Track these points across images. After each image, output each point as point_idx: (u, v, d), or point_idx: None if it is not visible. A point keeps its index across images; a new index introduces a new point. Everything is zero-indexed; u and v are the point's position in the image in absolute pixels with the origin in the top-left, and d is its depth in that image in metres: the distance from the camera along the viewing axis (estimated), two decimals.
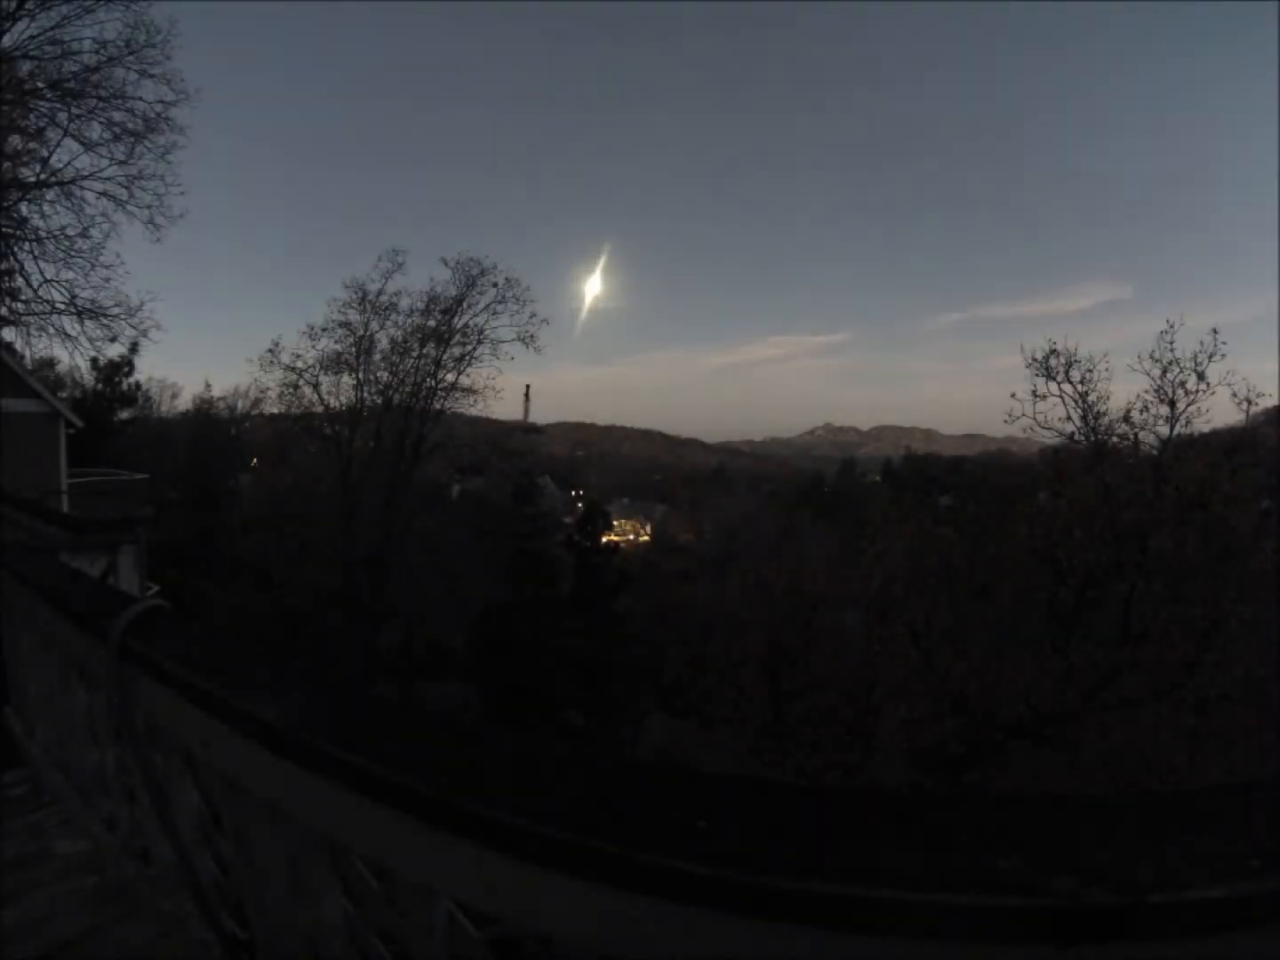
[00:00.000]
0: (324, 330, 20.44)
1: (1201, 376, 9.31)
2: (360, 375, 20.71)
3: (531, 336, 20.79)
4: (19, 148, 12.62)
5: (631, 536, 47.73)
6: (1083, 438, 10.27)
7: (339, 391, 20.88)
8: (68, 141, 12.60)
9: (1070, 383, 10.15)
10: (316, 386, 20.59)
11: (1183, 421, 9.55)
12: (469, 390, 21.14)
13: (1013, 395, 10.37)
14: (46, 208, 12.79)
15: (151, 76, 12.57)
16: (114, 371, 27.70)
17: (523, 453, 23.81)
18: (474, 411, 21.75)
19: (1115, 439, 10.13)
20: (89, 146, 12.71)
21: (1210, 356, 9.25)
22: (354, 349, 20.61)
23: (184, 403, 33.31)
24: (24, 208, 12.69)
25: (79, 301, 12.98)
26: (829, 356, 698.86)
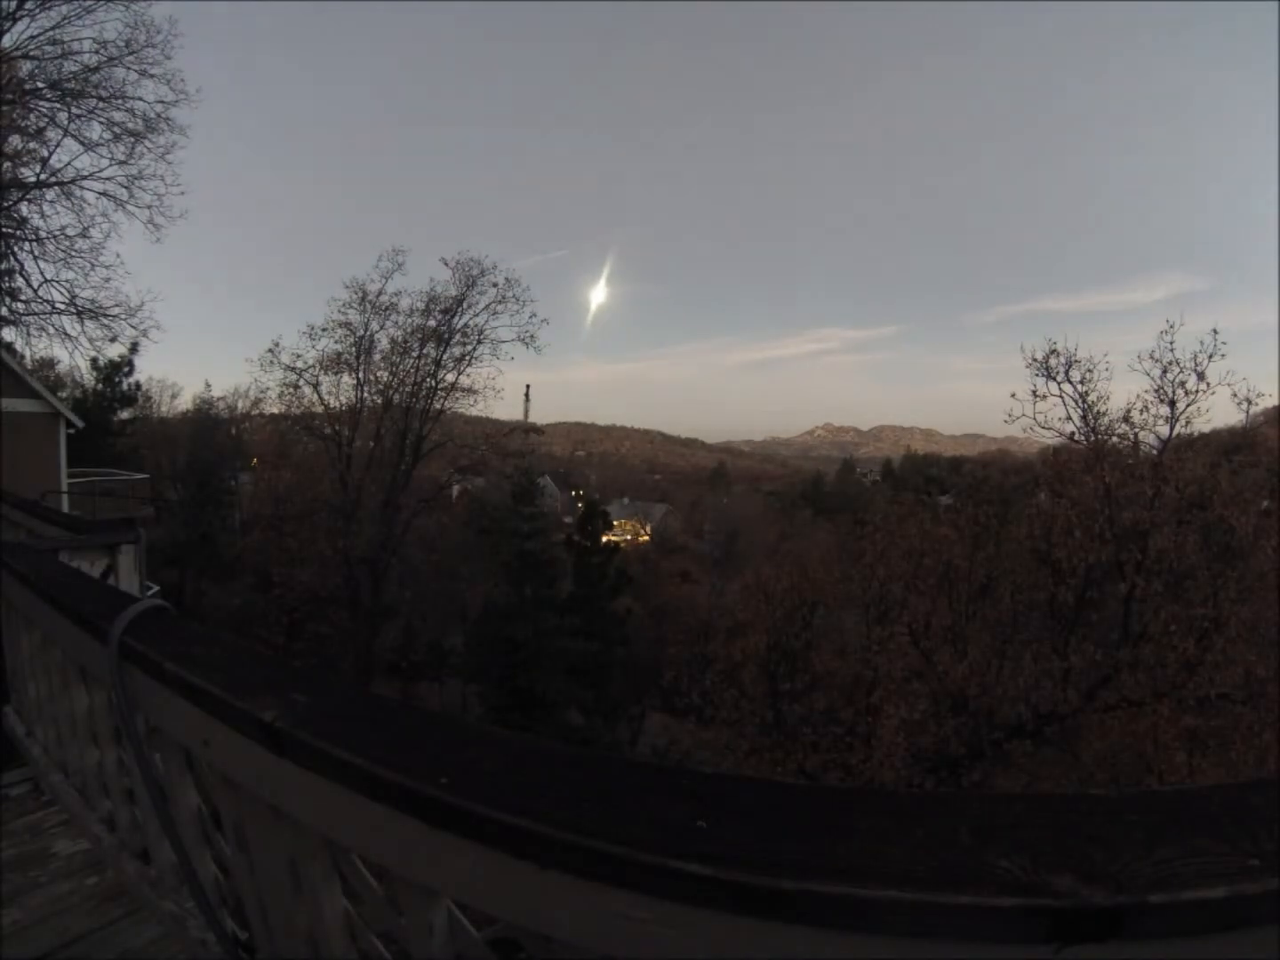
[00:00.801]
0: (324, 330, 20.47)
1: (1201, 376, 9.32)
2: (360, 375, 20.74)
3: (532, 336, 20.82)
4: (19, 148, 12.63)
5: (631, 536, 47.69)
6: (1083, 438, 10.28)
7: (339, 391, 20.92)
8: (68, 141, 12.62)
9: (1070, 383, 10.17)
10: (316, 386, 20.62)
11: (1183, 421, 9.57)
12: (469, 390, 21.20)
13: (1013, 395, 10.41)
14: (46, 208, 12.81)
15: (151, 76, 12.59)
16: (114, 371, 27.77)
17: (523, 453, 23.79)
18: (474, 411, 21.82)
19: (1115, 439, 10.14)
20: (89, 146, 12.73)
21: (1210, 356, 9.27)
22: (354, 349, 20.64)
23: (184, 403, 33.38)
24: (24, 208, 12.70)
25: (79, 301, 13.00)
26: (871, 351, 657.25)
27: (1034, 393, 10.24)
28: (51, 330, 13.10)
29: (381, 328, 20.87)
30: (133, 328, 13.64)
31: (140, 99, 12.68)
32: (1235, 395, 9.37)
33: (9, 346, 13.57)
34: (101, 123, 12.62)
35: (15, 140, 12.49)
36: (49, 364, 23.02)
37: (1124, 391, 10.07)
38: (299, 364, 20.43)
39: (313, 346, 20.46)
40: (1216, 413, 9.65)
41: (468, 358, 20.95)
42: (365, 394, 20.86)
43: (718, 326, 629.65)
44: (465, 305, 20.74)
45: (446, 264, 20.63)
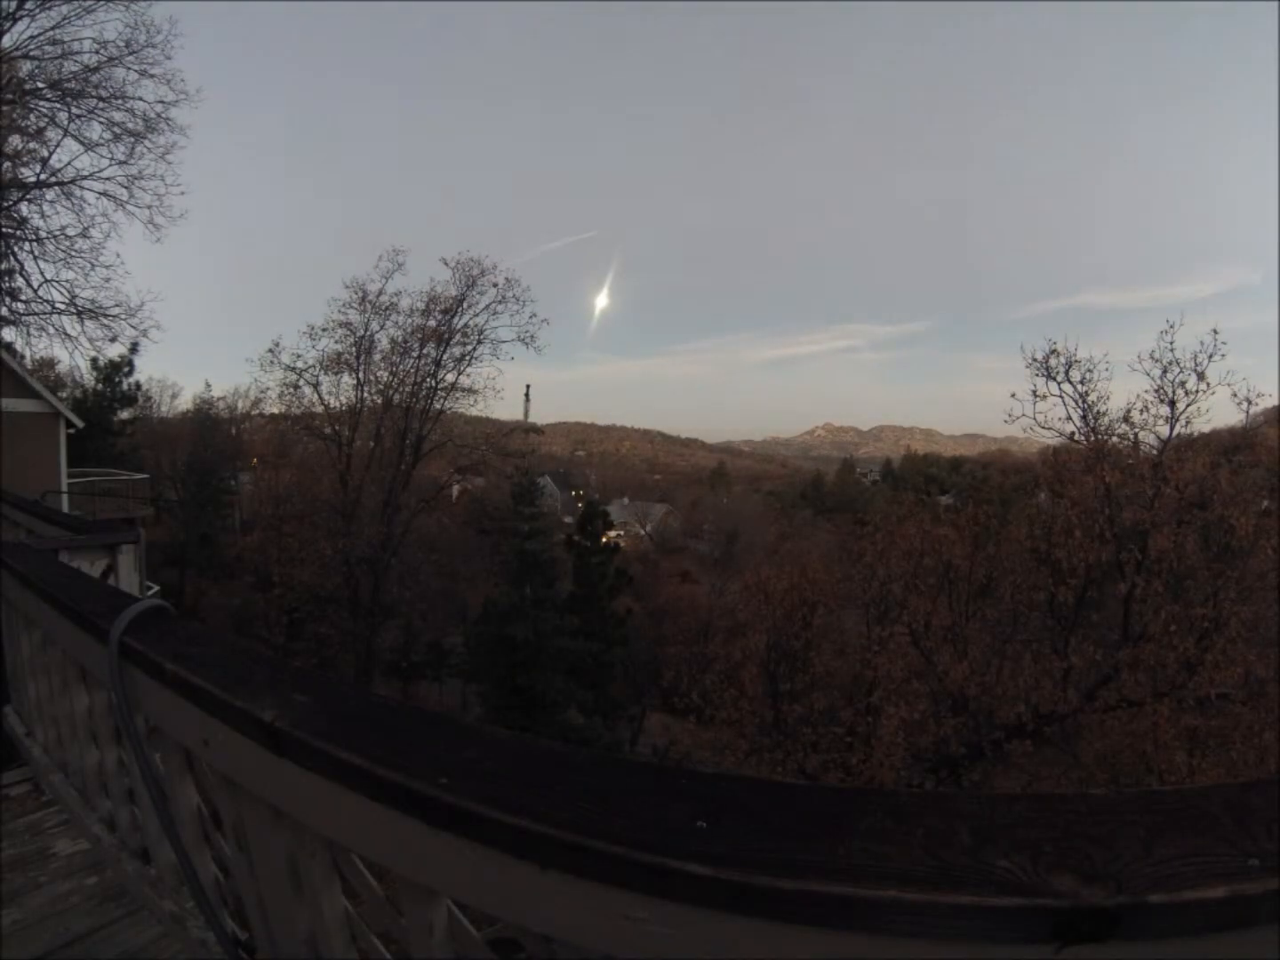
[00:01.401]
0: (324, 330, 20.43)
1: (1201, 376, 9.31)
2: (360, 375, 20.72)
3: (532, 337, 20.82)
4: (19, 148, 12.64)
5: (631, 536, 47.66)
6: (1083, 438, 10.27)
7: (339, 391, 20.91)
8: (68, 141, 12.65)
9: (1070, 383, 10.16)
10: (316, 386, 20.60)
11: (1183, 421, 9.56)
12: (469, 390, 21.22)
13: (1013, 395, 10.40)
14: (46, 208, 12.84)
15: (151, 76, 12.62)
16: (114, 371, 27.78)
17: (523, 453, 23.79)
18: (474, 411, 21.84)
19: (1115, 439, 10.13)
20: (89, 146, 12.75)
21: (1210, 356, 9.26)
22: (354, 349, 20.61)
23: (184, 403, 33.56)
24: (24, 208, 12.72)
25: (79, 301, 13.02)
26: (898, 349, 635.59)
27: (1034, 393, 10.24)
28: (51, 330, 13.14)
29: (381, 328, 20.88)
30: (133, 328, 13.68)
31: (140, 99, 12.74)
32: (1235, 395, 9.37)
33: (9, 346, 13.59)
34: (101, 123, 12.66)
35: (15, 140, 12.50)
36: (49, 364, 23.08)
37: (1124, 391, 10.08)
38: (299, 364, 20.43)
39: (313, 346, 20.45)
40: (1216, 413, 9.65)
41: (468, 358, 20.99)
42: (365, 394, 20.86)
43: (738, 322, 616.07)
44: (465, 305, 20.75)
45: (446, 264, 20.66)
